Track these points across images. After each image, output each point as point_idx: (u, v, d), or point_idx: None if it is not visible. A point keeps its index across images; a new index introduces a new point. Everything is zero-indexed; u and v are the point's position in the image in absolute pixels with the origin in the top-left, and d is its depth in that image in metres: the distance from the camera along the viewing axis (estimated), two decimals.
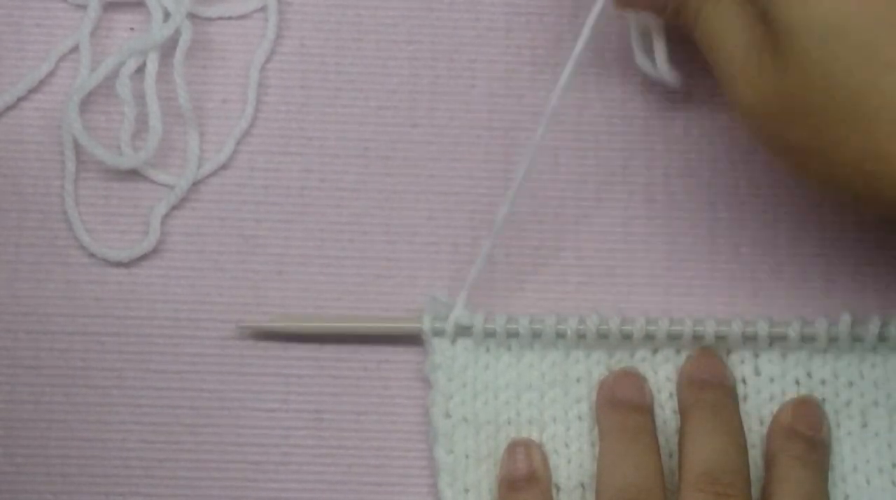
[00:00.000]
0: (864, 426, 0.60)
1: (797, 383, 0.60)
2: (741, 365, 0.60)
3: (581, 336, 0.60)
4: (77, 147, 0.62)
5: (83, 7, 0.64)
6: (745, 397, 0.60)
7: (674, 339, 0.60)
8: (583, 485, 0.60)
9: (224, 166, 0.63)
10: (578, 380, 0.60)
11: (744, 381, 0.60)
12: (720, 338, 0.59)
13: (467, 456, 0.60)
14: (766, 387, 0.60)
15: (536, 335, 0.60)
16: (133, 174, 0.63)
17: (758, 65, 0.53)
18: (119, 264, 0.62)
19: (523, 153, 0.63)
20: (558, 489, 0.60)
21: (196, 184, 0.63)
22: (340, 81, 0.64)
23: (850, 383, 0.60)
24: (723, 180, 0.63)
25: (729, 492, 0.55)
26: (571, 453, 0.60)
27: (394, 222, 0.63)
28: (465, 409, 0.60)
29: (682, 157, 0.64)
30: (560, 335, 0.60)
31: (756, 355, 0.60)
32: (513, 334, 0.60)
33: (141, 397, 0.61)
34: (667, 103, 0.64)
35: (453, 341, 0.60)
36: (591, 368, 0.60)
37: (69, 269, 0.62)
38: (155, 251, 0.62)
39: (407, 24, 0.64)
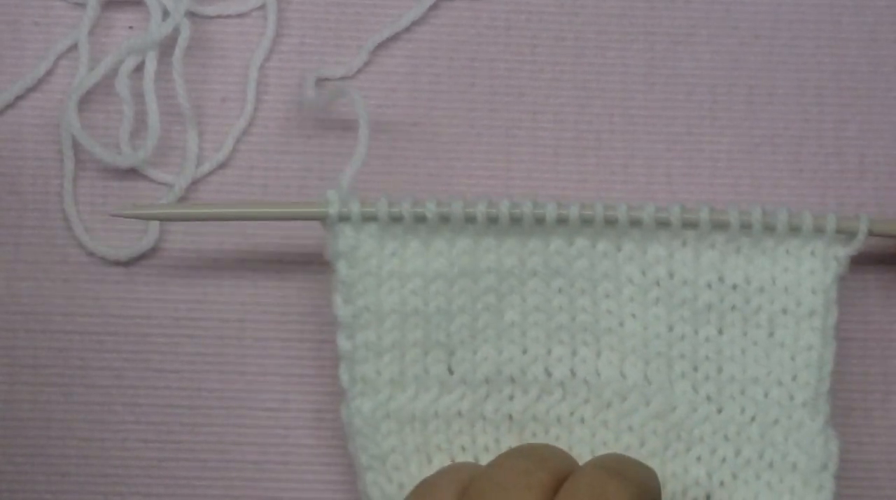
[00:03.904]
0: (771, 335, 0.59)
1: (709, 287, 0.59)
2: (656, 266, 0.59)
3: (493, 221, 0.58)
4: (76, 146, 0.62)
5: (82, 5, 0.64)
6: (658, 300, 0.59)
7: (587, 223, 0.58)
8: (487, 380, 0.59)
9: (223, 165, 0.63)
10: (489, 269, 0.59)
11: (658, 283, 0.59)
12: (634, 223, 0.58)
13: (367, 347, 0.58)
14: (678, 291, 0.59)
15: (445, 219, 0.58)
16: (132, 173, 0.63)
17: None
18: (118, 263, 0.62)
19: (522, 152, 0.63)
20: (464, 382, 0.59)
21: (195, 183, 0.63)
22: (340, 80, 0.64)
23: (762, 289, 0.59)
24: (723, 179, 0.63)
25: None
26: (477, 344, 0.59)
27: None
28: (368, 298, 0.58)
29: (682, 155, 0.64)
30: (469, 220, 0.58)
31: (670, 256, 0.59)
32: (420, 219, 0.58)
33: (140, 397, 0.61)
34: (668, 103, 0.64)
35: (358, 229, 0.58)
36: (503, 257, 0.59)
37: (68, 268, 0.62)
38: (154, 250, 0.62)
39: (406, 23, 0.64)
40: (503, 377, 0.59)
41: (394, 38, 0.64)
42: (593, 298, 0.59)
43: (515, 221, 0.58)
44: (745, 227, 0.58)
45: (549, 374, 0.59)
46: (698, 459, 0.59)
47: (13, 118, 0.63)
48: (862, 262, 0.62)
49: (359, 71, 0.64)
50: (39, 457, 0.61)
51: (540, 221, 0.58)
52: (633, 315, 0.59)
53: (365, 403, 0.58)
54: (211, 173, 0.63)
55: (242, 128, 0.63)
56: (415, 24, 0.64)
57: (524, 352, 0.59)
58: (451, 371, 0.59)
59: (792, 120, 0.64)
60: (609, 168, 0.63)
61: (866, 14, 0.65)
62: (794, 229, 0.59)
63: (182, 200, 0.63)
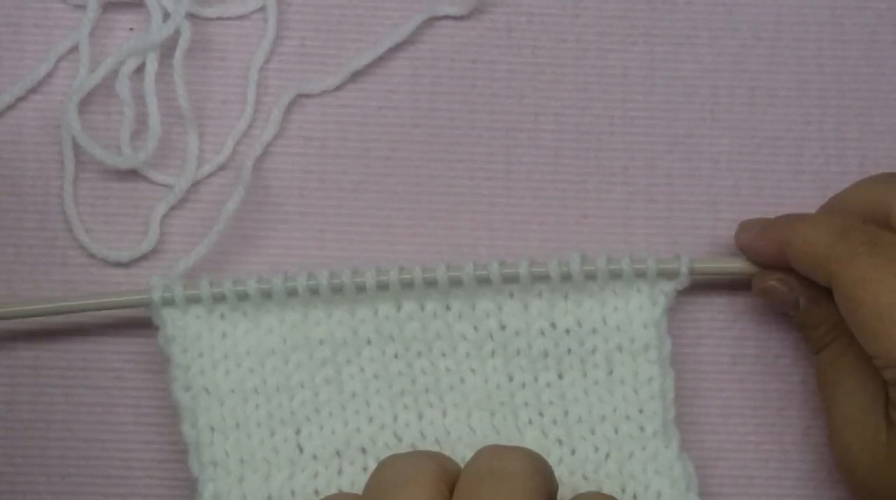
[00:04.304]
0: (610, 373, 0.59)
1: (542, 334, 0.59)
2: (486, 320, 0.59)
3: (314, 292, 0.59)
4: (76, 147, 0.62)
5: (82, 7, 0.64)
6: (494, 353, 0.59)
7: (406, 287, 0.59)
8: (338, 453, 0.59)
9: (223, 167, 0.63)
10: (321, 342, 0.59)
11: (491, 336, 0.59)
12: (455, 283, 0.59)
13: (212, 429, 0.58)
14: (512, 341, 0.59)
15: (267, 296, 0.58)
16: (132, 174, 0.63)
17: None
18: (118, 265, 0.62)
19: (523, 154, 0.63)
20: (316, 458, 0.58)
21: (195, 184, 0.63)
22: (340, 82, 0.64)
23: (594, 330, 0.59)
24: (724, 180, 0.63)
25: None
26: (323, 419, 0.59)
27: (394, 223, 0.63)
28: (205, 380, 0.59)
29: (683, 156, 0.63)
30: (291, 294, 0.58)
31: (499, 309, 0.59)
32: (243, 297, 0.59)
33: (141, 398, 0.61)
34: (669, 104, 0.64)
35: (184, 311, 0.59)
36: (333, 328, 0.59)
37: (68, 269, 0.62)
38: (154, 251, 0.62)
39: (407, 24, 0.64)
40: (353, 449, 0.59)
41: (393, 39, 0.64)
42: (430, 359, 0.59)
43: (337, 291, 0.58)
44: (566, 279, 0.59)
45: (399, 439, 0.59)
46: None
47: (14, 120, 0.63)
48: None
49: (338, 88, 0.63)
50: (40, 458, 0.61)
51: (361, 289, 0.58)
52: (472, 370, 0.59)
53: (219, 487, 0.58)
54: (211, 175, 0.63)
55: (243, 129, 0.63)
56: (415, 24, 0.64)
57: (370, 421, 0.59)
58: (300, 449, 0.59)
59: (793, 121, 0.64)
60: (609, 170, 0.63)
61: (868, 16, 0.65)
62: (616, 276, 0.59)
63: (183, 201, 0.63)
